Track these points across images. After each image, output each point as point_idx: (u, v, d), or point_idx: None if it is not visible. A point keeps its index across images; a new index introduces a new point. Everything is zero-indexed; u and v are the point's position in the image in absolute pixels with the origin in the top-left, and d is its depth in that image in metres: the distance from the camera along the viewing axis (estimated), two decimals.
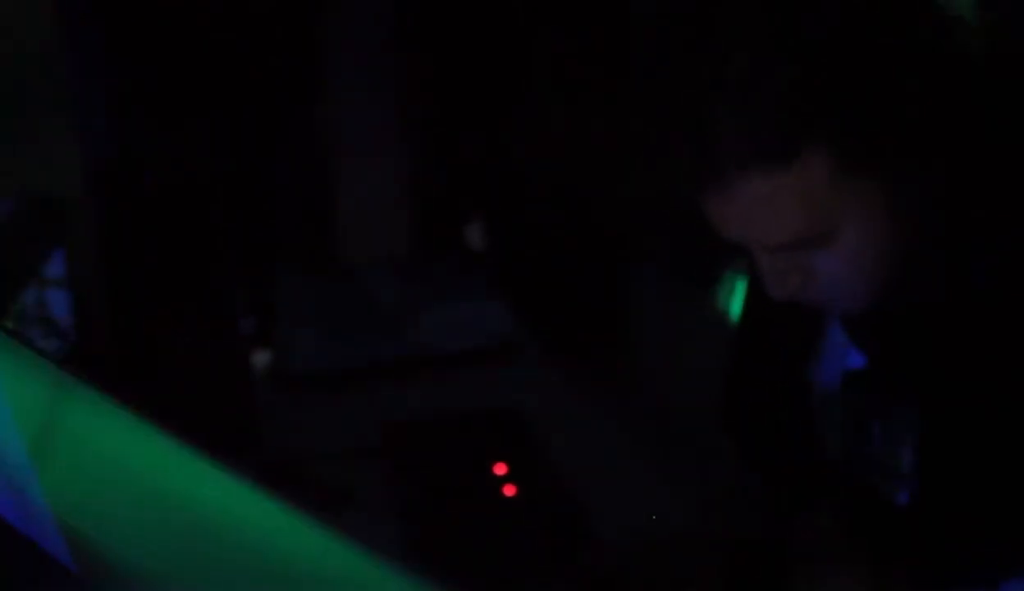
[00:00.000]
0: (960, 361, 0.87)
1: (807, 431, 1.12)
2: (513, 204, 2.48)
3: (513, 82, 2.44)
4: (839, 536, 0.95)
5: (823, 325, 1.03)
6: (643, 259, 2.19)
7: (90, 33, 1.87)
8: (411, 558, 0.53)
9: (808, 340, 1.11)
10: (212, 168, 2.15)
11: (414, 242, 2.49)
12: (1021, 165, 0.80)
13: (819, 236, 0.78)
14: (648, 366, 2.25)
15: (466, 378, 1.57)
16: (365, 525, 1.15)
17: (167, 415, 0.57)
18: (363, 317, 1.66)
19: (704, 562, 0.94)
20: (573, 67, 2.38)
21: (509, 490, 1.24)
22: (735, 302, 1.49)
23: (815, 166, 0.73)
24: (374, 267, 1.86)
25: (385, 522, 1.20)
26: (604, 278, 2.23)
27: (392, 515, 1.21)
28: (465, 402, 1.47)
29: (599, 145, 2.26)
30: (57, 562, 0.60)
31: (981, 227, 0.82)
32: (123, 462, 0.55)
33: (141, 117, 2.04)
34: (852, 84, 0.71)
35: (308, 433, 1.41)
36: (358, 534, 0.51)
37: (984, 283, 0.82)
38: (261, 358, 1.63)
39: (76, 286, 1.58)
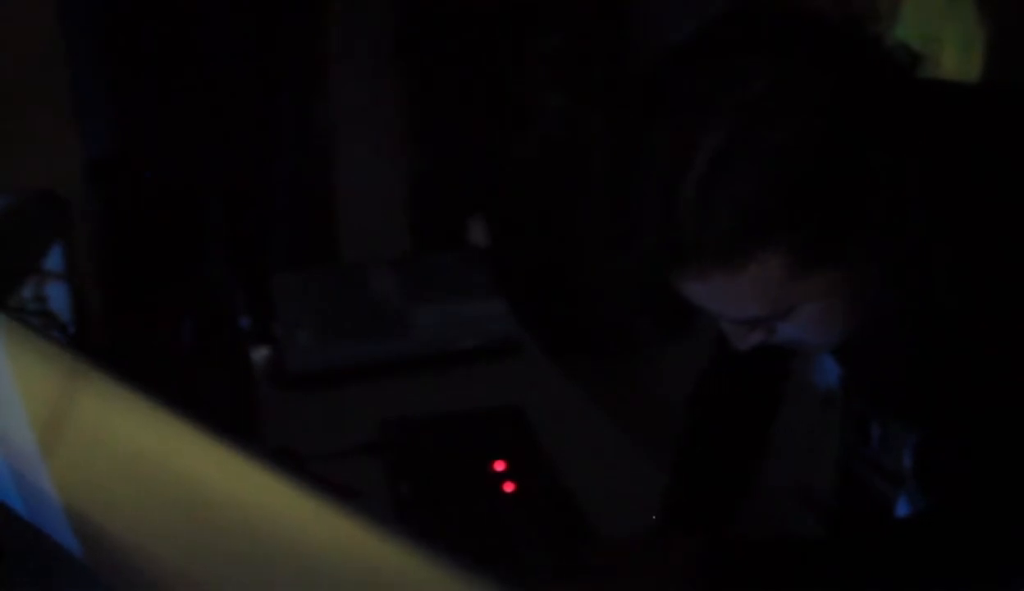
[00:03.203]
0: (931, 374, 0.87)
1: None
2: (514, 202, 2.49)
3: (511, 81, 2.45)
4: None
5: None
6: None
7: (90, 33, 1.87)
8: None
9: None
10: (211, 165, 2.15)
11: (414, 240, 2.49)
12: (980, 206, 0.80)
13: (777, 315, 0.79)
14: (648, 364, 2.26)
15: (466, 376, 1.57)
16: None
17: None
18: (363, 315, 1.66)
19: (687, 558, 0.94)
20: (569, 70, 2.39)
21: (509, 487, 1.24)
22: None
23: (770, 265, 0.74)
24: (374, 265, 1.85)
25: (384, 519, 1.19)
26: (603, 276, 2.23)
27: (391, 512, 1.21)
28: (465, 400, 1.47)
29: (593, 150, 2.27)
30: (65, 550, 0.60)
31: (945, 263, 0.82)
32: (135, 449, 0.55)
33: (140, 114, 2.04)
34: (808, 197, 0.71)
35: (308, 431, 1.41)
36: None
37: (949, 304, 0.82)
38: (260, 356, 1.63)
39: (75, 279, 1.58)
